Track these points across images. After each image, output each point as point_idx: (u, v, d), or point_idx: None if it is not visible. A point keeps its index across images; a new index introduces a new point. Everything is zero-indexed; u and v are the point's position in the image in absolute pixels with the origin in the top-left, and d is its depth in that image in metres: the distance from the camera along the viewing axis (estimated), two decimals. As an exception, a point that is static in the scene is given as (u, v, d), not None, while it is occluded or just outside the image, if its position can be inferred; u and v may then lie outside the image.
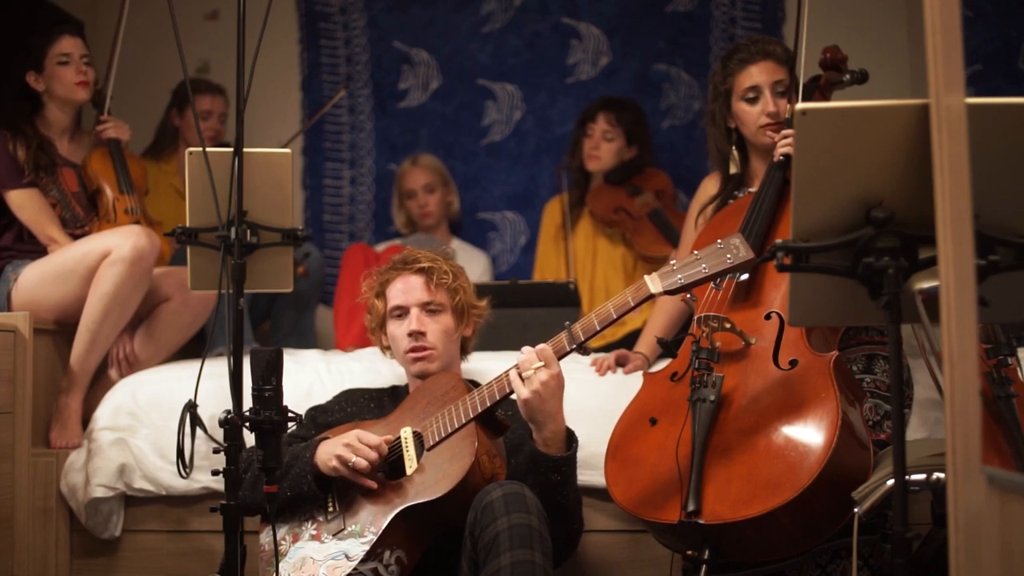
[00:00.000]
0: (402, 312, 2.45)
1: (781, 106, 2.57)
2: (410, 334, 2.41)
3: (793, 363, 2.11)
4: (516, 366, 2.13)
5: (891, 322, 1.58)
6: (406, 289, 2.46)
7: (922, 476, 1.89)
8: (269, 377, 1.95)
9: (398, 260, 2.51)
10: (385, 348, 2.55)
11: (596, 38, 4.42)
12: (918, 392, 2.58)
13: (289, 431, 2.13)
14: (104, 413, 2.84)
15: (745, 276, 2.28)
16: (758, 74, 2.59)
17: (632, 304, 2.07)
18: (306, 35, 4.47)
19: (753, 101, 2.60)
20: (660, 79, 4.40)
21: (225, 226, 2.14)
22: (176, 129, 3.99)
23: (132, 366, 3.03)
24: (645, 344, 2.84)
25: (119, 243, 2.85)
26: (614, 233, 3.85)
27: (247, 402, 2.00)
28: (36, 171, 3.06)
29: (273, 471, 1.96)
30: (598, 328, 2.10)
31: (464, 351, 2.56)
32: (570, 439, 2.19)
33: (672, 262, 2.07)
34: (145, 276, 2.89)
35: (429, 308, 2.44)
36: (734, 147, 2.70)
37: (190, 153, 2.24)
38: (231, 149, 2.13)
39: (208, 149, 2.18)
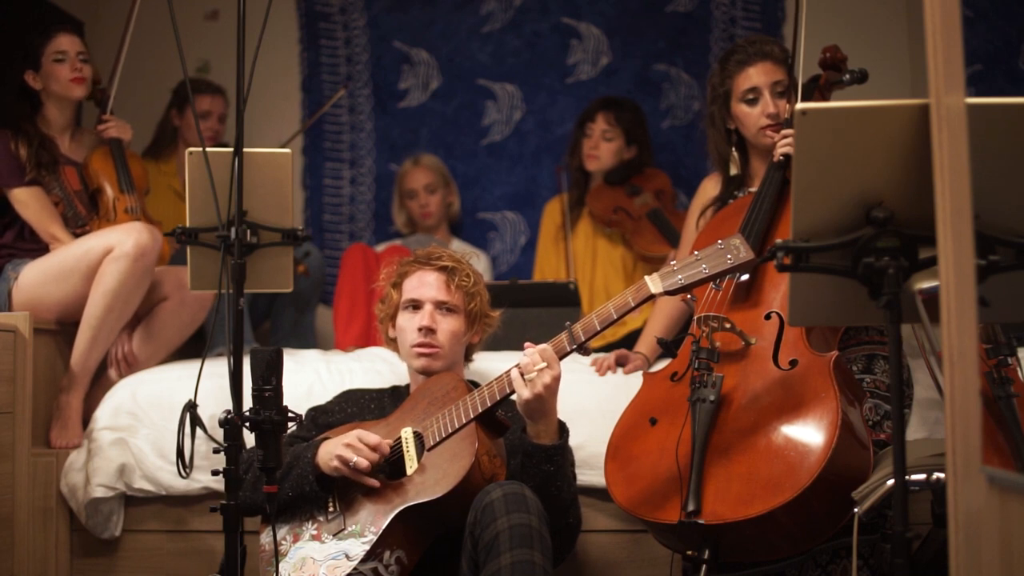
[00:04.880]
0: (415, 306, 2.45)
1: (780, 106, 2.56)
2: (420, 329, 2.41)
3: (793, 363, 2.11)
4: (518, 366, 2.13)
5: (891, 322, 1.58)
6: (424, 284, 2.45)
7: (922, 476, 1.89)
8: (269, 377, 1.95)
9: (422, 255, 2.50)
10: (390, 340, 2.55)
11: (596, 38, 4.42)
12: (918, 392, 2.58)
13: (289, 432, 2.12)
14: (104, 413, 2.83)
15: (745, 276, 2.28)
16: (756, 75, 2.58)
17: (632, 304, 2.07)
18: (306, 35, 4.47)
19: (752, 103, 2.59)
20: (660, 79, 4.40)
21: (225, 226, 2.14)
22: (176, 129, 3.99)
23: (131, 366, 3.03)
24: (645, 344, 2.84)
25: (121, 239, 2.85)
26: (614, 233, 3.85)
27: (247, 402, 2.00)
28: (38, 169, 3.06)
29: (273, 471, 1.96)
30: (598, 328, 2.10)
31: (467, 357, 2.56)
32: (561, 430, 2.19)
33: (672, 262, 2.07)
34: (148, 272, 2.89)
35: (443, 307, 2.44)
36: (733, 148, 2.70)
37: (190, 153, 2.24)
38: (231, 149, 2.13)
39: (208, 149, 2.18)
